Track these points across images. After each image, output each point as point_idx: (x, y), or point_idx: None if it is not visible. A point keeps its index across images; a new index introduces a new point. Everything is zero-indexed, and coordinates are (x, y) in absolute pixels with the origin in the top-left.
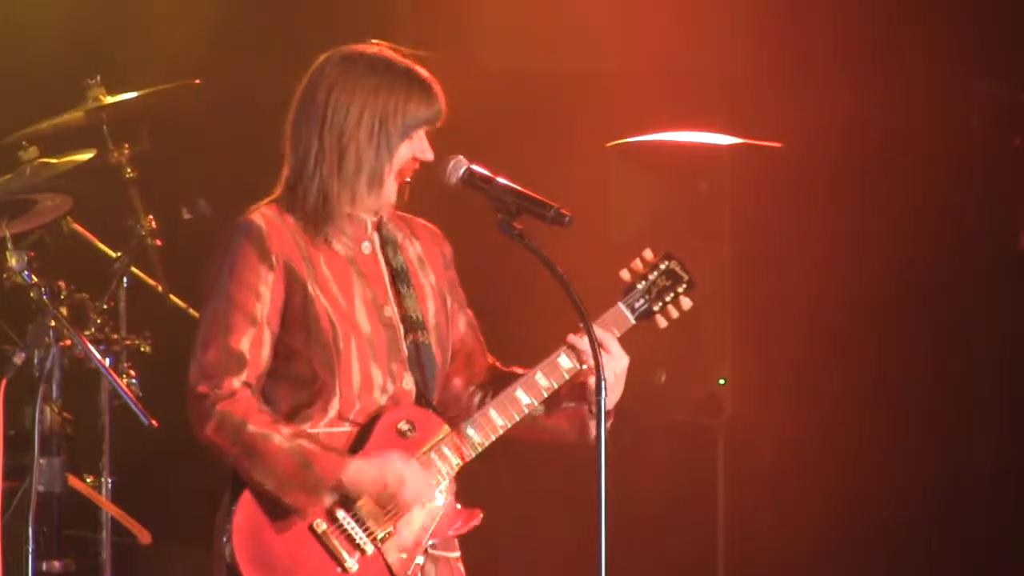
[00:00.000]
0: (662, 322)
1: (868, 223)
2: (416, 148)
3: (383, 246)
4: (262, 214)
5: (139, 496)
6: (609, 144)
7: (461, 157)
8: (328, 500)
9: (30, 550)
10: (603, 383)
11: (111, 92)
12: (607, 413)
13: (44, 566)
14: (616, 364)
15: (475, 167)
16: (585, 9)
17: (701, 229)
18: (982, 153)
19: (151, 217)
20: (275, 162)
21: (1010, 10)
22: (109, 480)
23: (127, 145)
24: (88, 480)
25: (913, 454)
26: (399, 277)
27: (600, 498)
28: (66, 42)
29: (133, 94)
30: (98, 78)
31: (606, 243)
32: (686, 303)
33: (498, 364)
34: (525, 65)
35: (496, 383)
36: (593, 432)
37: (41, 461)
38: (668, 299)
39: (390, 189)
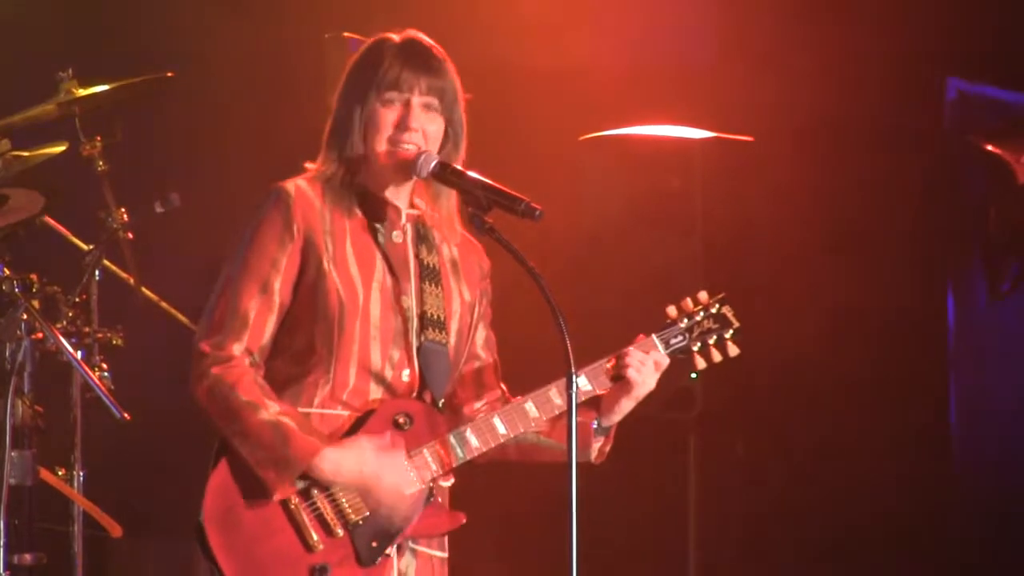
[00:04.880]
0: (701, 363)
1: (841, 216)
2: (402, 116)
3: (417, 241)
4: (296, 184)
5: (111, 489)
6: (581, 138)
7: (432, 151)
8: (300, 483)
9: (1, 543)
10: (574, 378)
11: (83, 85)
12: (609, 430)
13: (15, 559)
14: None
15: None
16: (556, 3)
17: (673, 223)
18: (950, 144)
19: (123, 210)
20: (246, 155)
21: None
22: (81, 473)
23: (99, 138)
24: (60, 473)
25: (887, 449)
26: (427, 274)
27: (571, 495)
28: (38, 34)
29: (105, 87)
30: (70, 71)
31: (578, 237)
32: (733, 349)
33: (507, 392)
34: (496, 59)
35: (501, 406)
36: (595, 450)
37: (12, 454)
38: (711, 341)
39: (375, 161)
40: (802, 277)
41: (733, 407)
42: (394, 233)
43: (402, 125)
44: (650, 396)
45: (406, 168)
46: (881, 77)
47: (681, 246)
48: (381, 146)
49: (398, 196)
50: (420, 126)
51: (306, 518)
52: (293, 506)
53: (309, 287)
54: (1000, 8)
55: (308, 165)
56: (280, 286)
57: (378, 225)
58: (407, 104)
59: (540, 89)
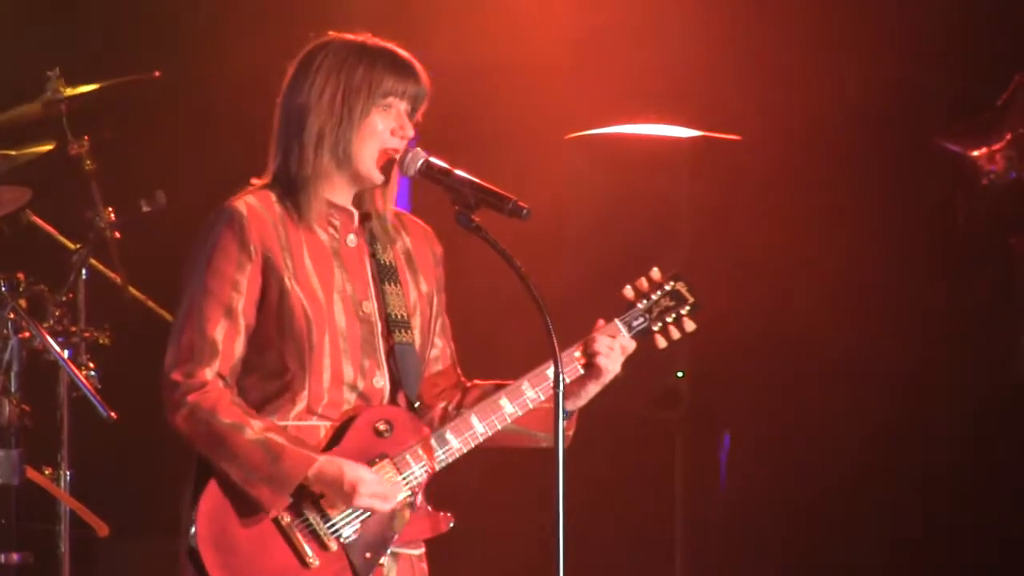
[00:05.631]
0: (661, 342)
1: (827, 214)
2: (394, 123)
3: (371, 241)
4: (246, 202)
5: (97, 489)
6: (568, 136)
7: (419, 149)
8: (292, 497)
9: None
10: (561, 377)
11: (71, 84)
12: (572, 414)
13: (2, 558)
14: (615, 362)
15: (433, 159)
16: (542, 1)
17: (659, 222)
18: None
19: (110, 209)
20: (234, 154)
21: (965, 5)
22: (67, 472)
23: (87, 137)
24: (46, 472)
25: (876, 449)
26: (385, 275)
27: (558, 495)
28: (25, 33)
29: (93, 86)
30: (57, 70)
31: (564, 236)
32: (690, 325)
33: (463, 377)
34: (483, 57)
35: (462, 394)
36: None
37: None
38: (670, 319)
39: (363, 164)
40: (789, 277)
41: (720, 406)
42: (349, 237)
43: (398, 132)
44: (635, 396)
45: (388, 169)
46: (871, 73)
47: (667, 244)
48: (373, 151)
49: (350, 199)
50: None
51: (300, 535)
52: (285, 524)
53: (274, 305)
54: (987, 8)
55: (255, 181)
56: (244, 307)
57: (332, 232)
58: (399, 111)
59: (526, 88)
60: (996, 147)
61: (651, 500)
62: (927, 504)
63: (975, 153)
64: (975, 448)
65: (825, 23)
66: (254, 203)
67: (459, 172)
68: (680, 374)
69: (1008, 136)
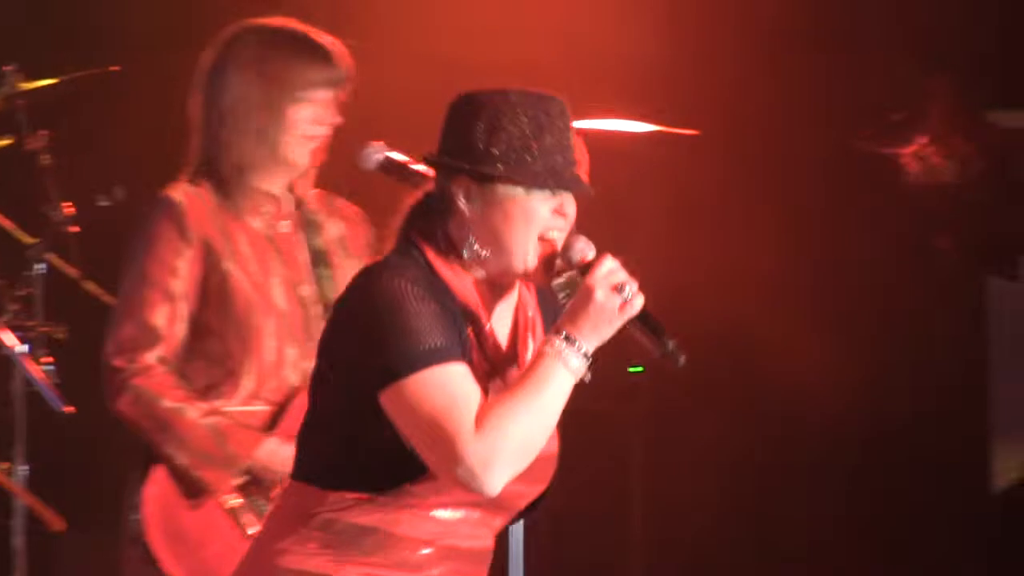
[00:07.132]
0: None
1: (789, 208)
2: (317, 113)
3: (303, 226)
4: (183, 191)
5: (54, 483)
6: None
7: (381, 143)
8: (239, 478)
9: None
10: None
11: (30, 79)
12: None
13: None
14: None
15: (392, 154)
16: None
17: (620, 217)
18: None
19: (67, 203)
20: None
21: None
22: (23, 468)
23: (44, 131)
24: (1, 467)
25: (835, 444)
26: (318, 259)
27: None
28: None
29: (50, 81)
30: (14, 65)
31: None
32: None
33: None
34: (444, 52)
35: None
36: None
37: None
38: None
39: (289, 152)
40: (751, 272)
41: (679, 402)
42: (281, 223)
43: (320, 120)
44: (593, 391)
45: (311, 159)
46: (837, 64)
47: (627, 239)
48: (297, 140)
49: (280, 186)
50: None
51: (251, 518)
52: (234, 507)
53: (215, 292)
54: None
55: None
56: (183, 291)
57: (265, 218)
58: (319, 100)
59: (486, 84)
60: (914, 148)
61: (608, 496)
62: (895, 499)
63: (896, 154)
64: (926, 449)
65: (787, 22)
66: (192, 191)
67: (416, 166)
68: (640, 368)
69: (925, 138)
